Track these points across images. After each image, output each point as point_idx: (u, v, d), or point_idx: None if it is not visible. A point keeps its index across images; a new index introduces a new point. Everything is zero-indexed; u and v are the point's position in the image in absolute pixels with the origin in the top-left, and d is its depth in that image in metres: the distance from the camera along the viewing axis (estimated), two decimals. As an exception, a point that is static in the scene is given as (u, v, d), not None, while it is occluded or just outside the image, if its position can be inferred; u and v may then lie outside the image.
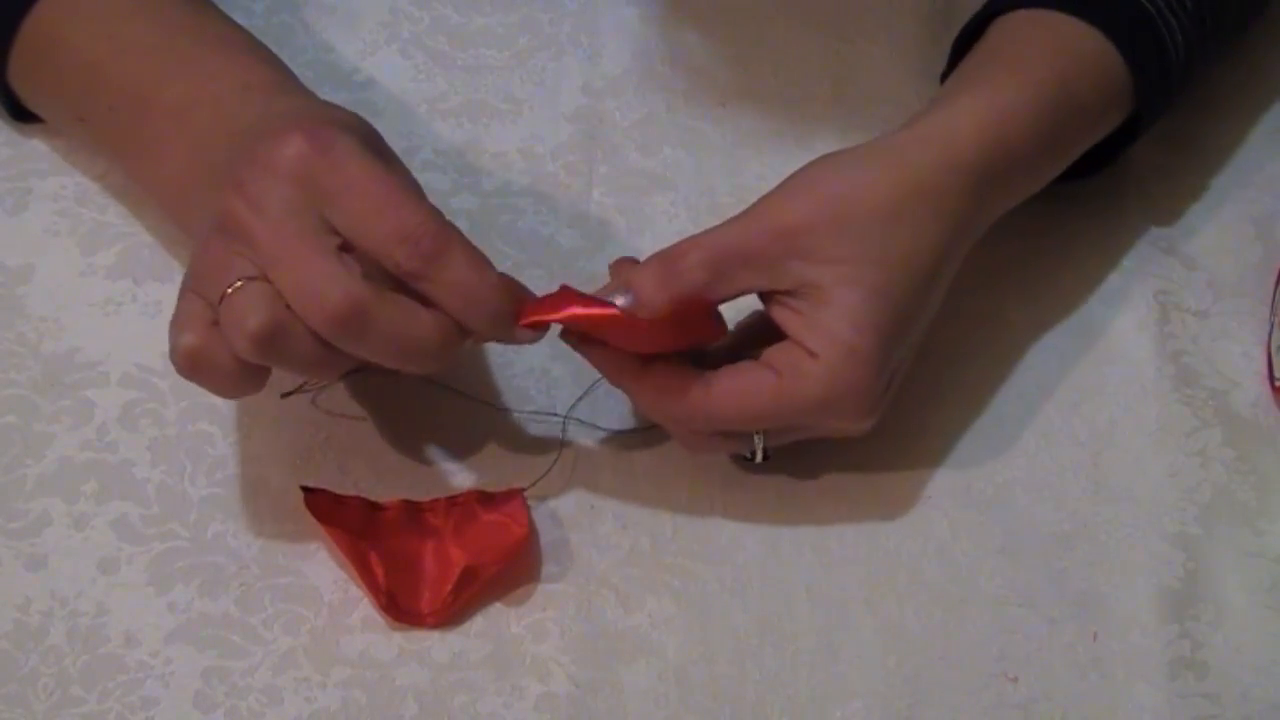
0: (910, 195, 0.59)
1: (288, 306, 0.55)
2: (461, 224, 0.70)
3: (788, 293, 0.59)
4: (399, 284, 0.56)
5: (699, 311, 0.59)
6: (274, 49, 0.74)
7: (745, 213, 0.60)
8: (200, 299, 0.56)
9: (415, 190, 0.59)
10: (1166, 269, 0.71)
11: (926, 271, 0.60)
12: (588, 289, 0.69)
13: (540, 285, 0.69)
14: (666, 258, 0.59)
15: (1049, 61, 0.64)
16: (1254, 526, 0.64)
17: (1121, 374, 0.68)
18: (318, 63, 0.75)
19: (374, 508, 0.61)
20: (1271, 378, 0.68)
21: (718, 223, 0.71)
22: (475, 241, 0.69)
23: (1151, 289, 0.70)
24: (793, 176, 0.61)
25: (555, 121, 0.74)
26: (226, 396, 0.60)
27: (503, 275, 0.58)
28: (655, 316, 0.58)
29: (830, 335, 0.58)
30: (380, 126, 0.73)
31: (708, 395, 0.59)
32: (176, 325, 0.56)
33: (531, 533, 0.61)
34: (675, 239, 0.70)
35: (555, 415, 0.64)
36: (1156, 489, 0.65)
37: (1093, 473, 0.65)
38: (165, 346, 0.65)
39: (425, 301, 0.56)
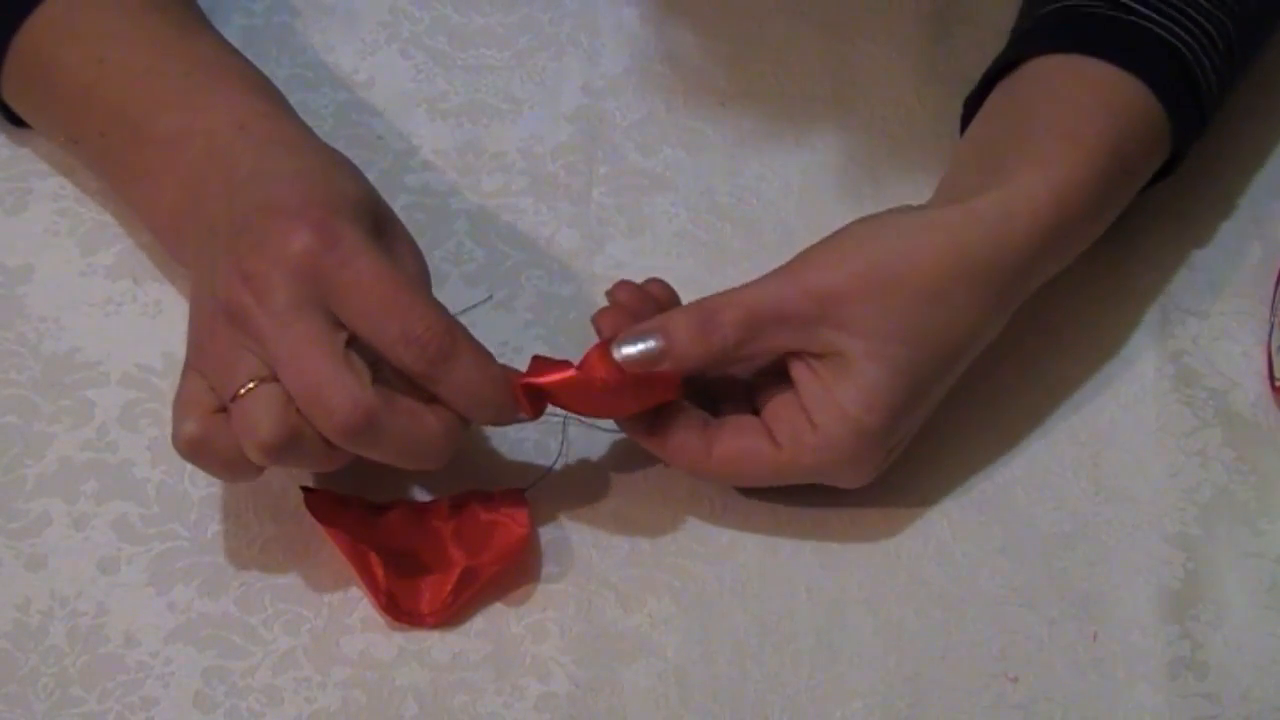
0: (955, 275, 0.59)
1: (298, 409, 0.55)
2: (461, 224, 0.70)
3: (814, 354, 0.59)
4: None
5: (662, 379, 0.59)
6: (274, 49, 0.74)
7: (785, 269, 0.60)
8: (203, 379, 0.56)
9: (421, 284, 0.59)
10: (1167, 269, 0.71)
11: (956, 351, 0.60)
12: (587, 289, 0.69)
13: (540, 285, 0.69)
14: (703, 311, 0.59)
15: (1101, 127, 0.63)
16: (1254, 526, 0.64)
17: (1121, 374, 0.68)
18: (318, 63, 0.75)
19: (374, 508, 0.61)
20: (1271, 378, 0.68)
21: (717, 222, 0.71)
22: (475, 242, 0.70)
23: (1152, 289, 0.70)
24: (837, 235, 0.60)
25: (555, 121, 0.74)
26: (226, 481, 0.60)
27: (504, 368, 0.58)
28: (683, 369, 0.58)
29: (840, 411, 0.58)
30: (380, 126, 0.73)
31: (708, 458, 0.60)
32: (179, 410, 0.56)
33: (531, 533, 0.61)
34: (675, 239, 0.71)
35: (555, 415, 0.64)
36: (1156, 489, 0.65)
37: (1093, 473, 0.65)
38: (165, 346, 0.65)
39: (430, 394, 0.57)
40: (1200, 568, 0.63)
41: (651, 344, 0.58)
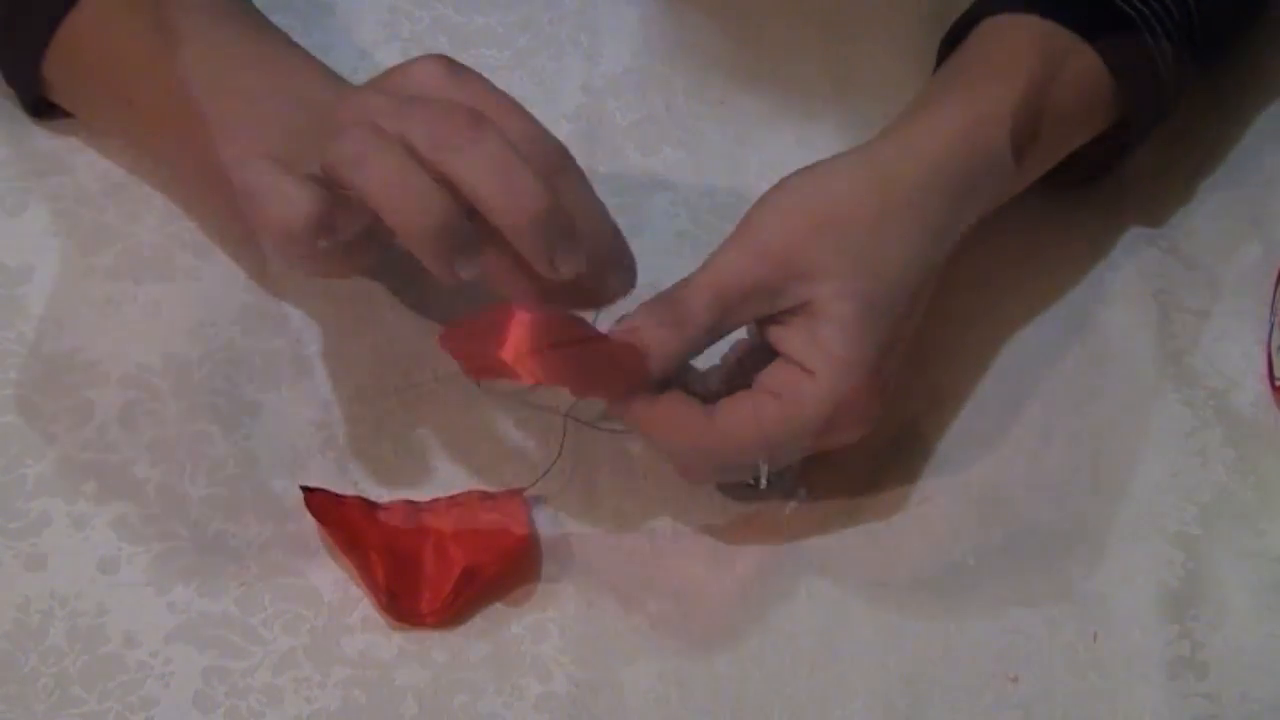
0: (894, 206, 0.60)
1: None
2: (461, 224, 0.70)
3: (785, 311, 0.59)
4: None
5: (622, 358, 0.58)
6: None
7: (735, 237, 0.60)
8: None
9: None
10: (1166, 269, 0.71)
11: (914, 280, 0.60)
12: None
13: (540, 285, 0.69)
14: (670, 304, 0.58)
15: (1026, 66, 0.64)
16: (1254, 526, 0.64)
17: (1121, 374, 0.68)
18: (318, 62, 0.75)
19: (374, 508, 0.61)
20: (1271, 378, 0.68)
21: (717, 222, 0.71)
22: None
23: (1151, 289, 0.70)
24: (775, 191, 0.61)
25: (555, 121, 0.73)
26: (317, 273, 0.63)
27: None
28: (666, 366, 0.58)
29: (827, 351, 0.58)
30: (380, 126, 0.73)
31: (710, 428, 0.58)
32: (277, 193, 0.53)
33: (531, 533, 0.61)
34: (675, 239, 0.71)
35: (555, 415, 0.64)
36: (1156, 489, 0.65)
37: (1093, 472, 0.65)
38: (165, 346, 0.65)
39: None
40: (1200, 568, 0.63)
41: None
